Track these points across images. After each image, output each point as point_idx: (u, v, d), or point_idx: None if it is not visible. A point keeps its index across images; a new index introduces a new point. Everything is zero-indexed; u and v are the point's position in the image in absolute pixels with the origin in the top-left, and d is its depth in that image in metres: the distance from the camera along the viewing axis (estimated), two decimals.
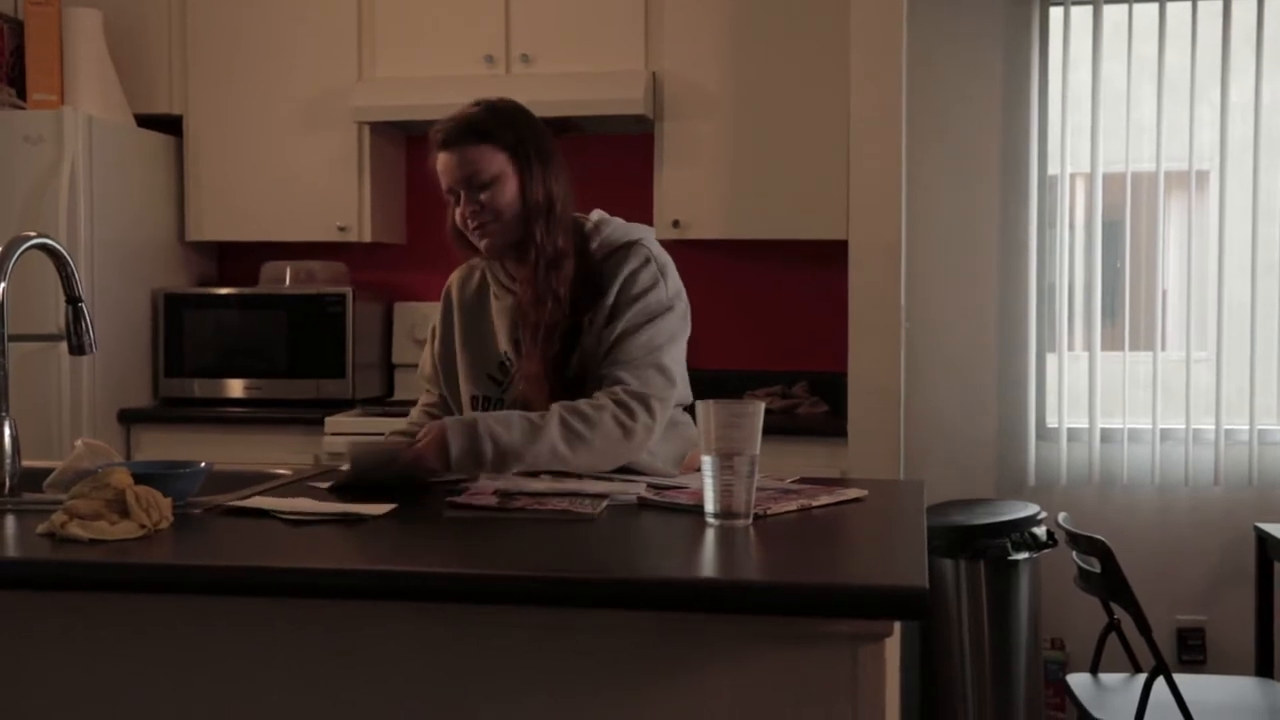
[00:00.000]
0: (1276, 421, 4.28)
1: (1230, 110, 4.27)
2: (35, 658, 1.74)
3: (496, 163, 2.36)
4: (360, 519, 1.92)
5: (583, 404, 2.29)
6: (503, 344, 2.46)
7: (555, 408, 2.28)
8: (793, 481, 2.26)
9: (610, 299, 2.37)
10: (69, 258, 2.32)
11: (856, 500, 2.13)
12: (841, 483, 2.31)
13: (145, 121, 4.37)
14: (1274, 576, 3.57)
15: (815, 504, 2.06)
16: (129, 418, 4.17)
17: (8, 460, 2.15)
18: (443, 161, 2.39)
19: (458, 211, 2.40)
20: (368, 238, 4.38)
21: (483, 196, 2.35)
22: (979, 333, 4.44)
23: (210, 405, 4.28)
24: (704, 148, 4.14)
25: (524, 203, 2.36)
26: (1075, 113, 4.35)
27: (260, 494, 2.13)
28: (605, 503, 2.04)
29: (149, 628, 1.71)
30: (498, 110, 2.42)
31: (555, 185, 2.40)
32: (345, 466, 2.25)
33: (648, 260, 2.42)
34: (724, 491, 1.87)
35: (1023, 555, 3.79)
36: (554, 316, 2.37)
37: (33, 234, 2.26)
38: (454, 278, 2.59)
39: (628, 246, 2.43)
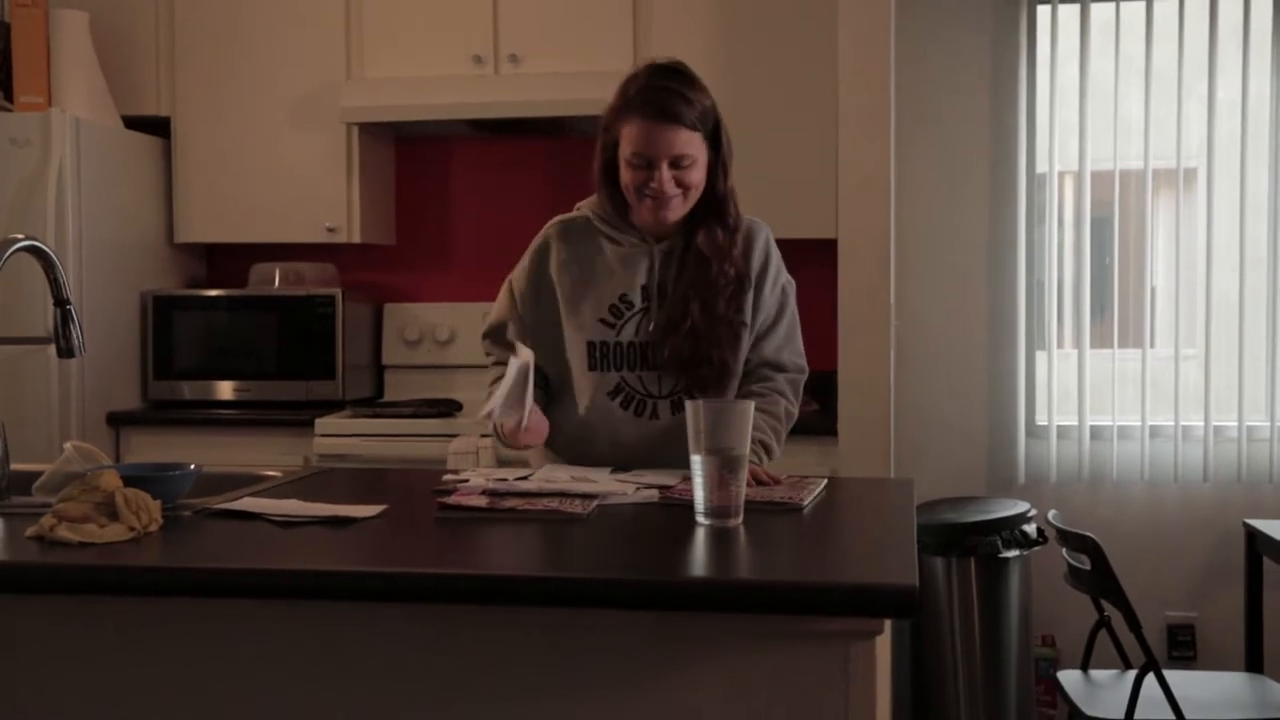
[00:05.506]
0: (1265, 418, 4.29)
1: (1217, 107, 4.28)
2: (25, 661, 1.73)
3: (695, 144, 2.40)
4: (350, 521, 1.92)
5: (783, 402, 2.49)
6: (622, 287, 2.49)
7: (780, 404, 2.49)
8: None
9: (758, 274, 2.51)
10: (57, 260, 2.32)
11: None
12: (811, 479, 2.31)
13: (133, 123, 4.35)
14: (1263, 572, 3.58)
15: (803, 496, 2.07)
16: (118, 420, 4.16)
17: None
18: (648, 131, 2.39)
19: (640, 175, 2.41)
20: (357, 239, 4.37)
21: (680, 174, 2.40)
22: (968, 330, 4.44)
23: (200, 407, 4.27)
24: None
25: (711, 185, 2.45)
26: (1063, 110, 4.35)
27: (250, 496, 2.13)
28: (595, 502, 2.04)
29: (139, 630, 1.71)
30: (695, 85, 2.45)
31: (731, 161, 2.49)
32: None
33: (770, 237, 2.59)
34: (714, 491, 1.87)
35: (1013, 553, 3.80)
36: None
37: (20, 236, 2.26)
38: (553, 231, 2.58)
39: (752, 221, 2.57)
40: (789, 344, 2.56)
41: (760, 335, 2.53)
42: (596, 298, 2.49)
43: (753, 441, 2.32)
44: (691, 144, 2.39)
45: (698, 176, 2.42)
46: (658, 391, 2.48)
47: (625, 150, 2.41)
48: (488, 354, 2.66)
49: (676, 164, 2.39)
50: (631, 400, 2.48)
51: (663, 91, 2.39)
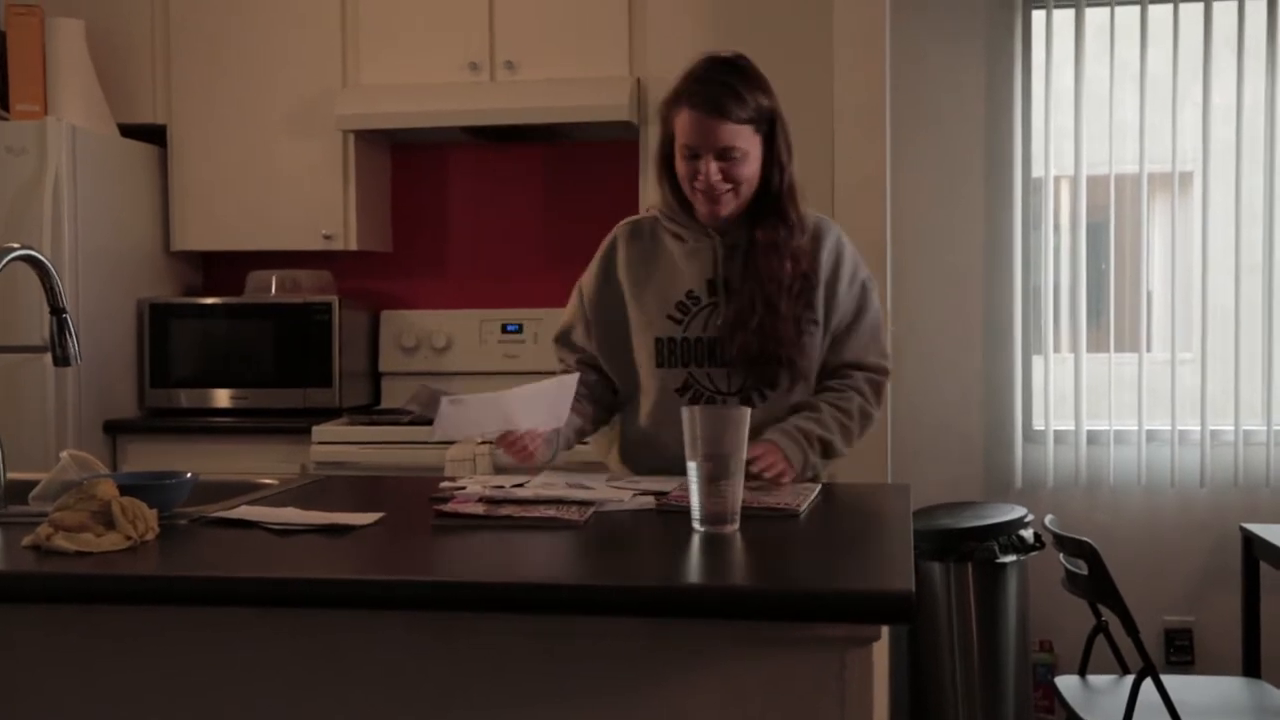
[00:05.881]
0: (1261, 422, 4.30)
1: (1212, 112, 4.29)
2: (21, 670, 1.73)
3: (744, 137, 2.40)
4: (347, 528, 1.92)
5: (857, 399, 2.48)
6: (689, 283, 2.48)
7: (854, 401, 2.47)
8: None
9: (829, 274, 2.50)
10: (52, 269, 2.32)
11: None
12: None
13: (129, 131, 4.35)
14: (1260, 576, 3.58)
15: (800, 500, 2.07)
16: (114, 429, 4.15)
17: None
18: (696, 123, 2.39)
19: (689, 167, 2.42)
20: (353, 246, 4.37)
21: (727, 166, 2.39)
22: (964, 335, 4.44)
23: (196, 415, 4.26)
24: None
25: (766, 181, 2.44)
26: (1059, 115, 4.36)
27: (247, 504, 2.13)
28: (591, 509, 2.04)
29: (135, 639, 1.71)
30: (750, 80, 2.44)
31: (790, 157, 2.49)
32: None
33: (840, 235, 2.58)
34: (710, 497, 1.87)
35: (1010, 558, 3.80)
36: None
37: (16, 245, 2.26)
38: (620, 231, 2.59)
39: (819, 218, 2.57)
40: (872, 343, 2.54)
41: (838, 336, 2.51)
42: (663, 294, 2.49)
43: (808, 436, 2.37)
44: (739, 137, 2.38)
45: (748, 171, 2.41)
46: (726, 388, 2.46)
47: (678, 141, 2.43)
48: (560, 360, 2.67)
49: (724, 156, 2.38)
50: (700, 398, 2.47)
51: (713, 84, 2.39)
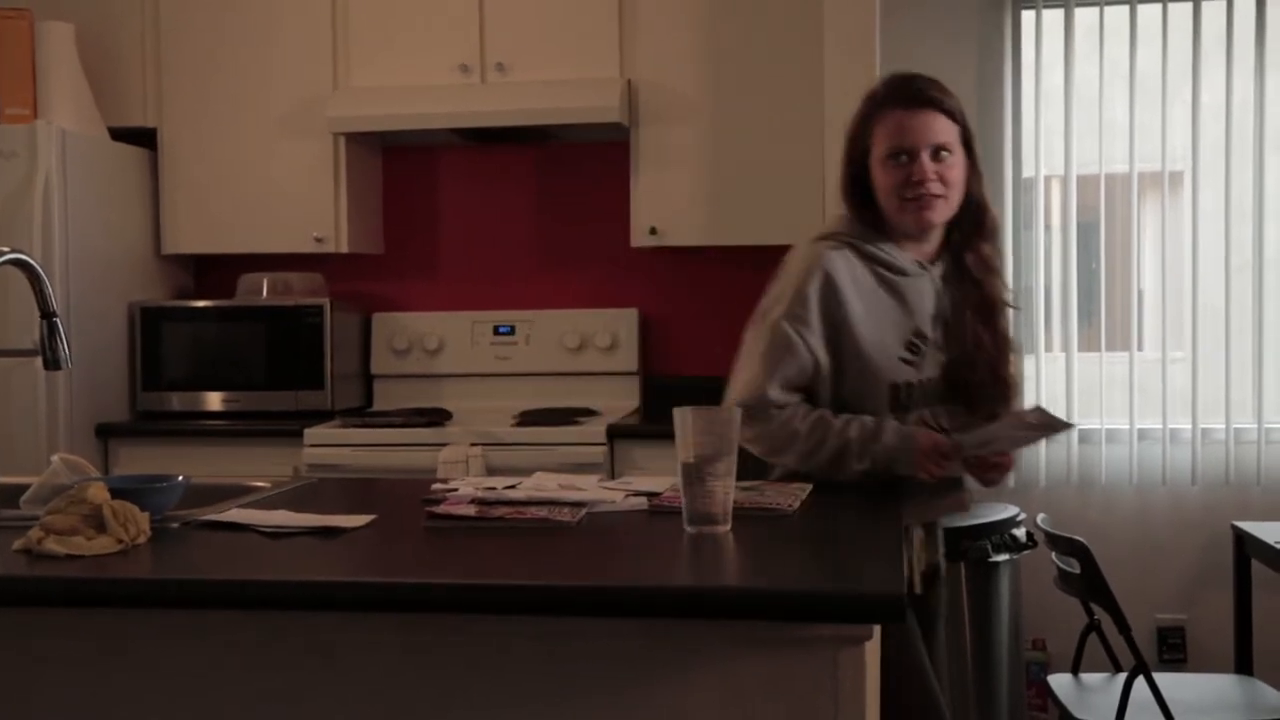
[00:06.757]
0: (1252, 420, 4.31)
1: (1202, 111, 4.30)
2: (12, 674, 1.73)
3: (952, 136, 2.35)
4: (339, 531, 1.92)
5: None
6: (916, 321, 2.37)
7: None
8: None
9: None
10: (43, 272, 2.31)
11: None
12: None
13: (119, 134, 4.35)
14: (1252, 574, 3.59)
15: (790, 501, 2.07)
16: (106, 432, 4.15)
17: None
18: (906, 119, 2.33)
19: (899, 174, 2.33)
20: (345, 248, 4.37)
21: (940, 167, 2.33)
22: None
23: (188, 418, 4.26)
24: (680, 154, 4.15)
25: (969, 191, 2.38)
26: (1049, 115, 4.37)
27: (239, 507, 2.12)
28: (584, 510, 2.04)
29: (127, 643, 1.70)
30: (942, 85, 2.41)
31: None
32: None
33: None
34: (702, 498, 1.88)
35: (1003, 557, 3.80)
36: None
37: (6, 249, 2.26)
38: (834, 265, 2.33)
39: None
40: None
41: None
42: (894, 335, 2.35)
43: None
44: (950, 134, 2.33)
45: (958, 174, 2.35)
46: (947, 423, 2.40)
47: (880, 150, 2.34)
48: (780, 406, 2.32)
49: (937, 156, 2.32)
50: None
51: (916, 80, 2.36)
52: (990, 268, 2.40)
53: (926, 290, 2.38)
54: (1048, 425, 2.32)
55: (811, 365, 2.32)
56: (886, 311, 2.35)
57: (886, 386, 2.34)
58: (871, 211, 2.38)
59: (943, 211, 2.35)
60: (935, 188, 2.31)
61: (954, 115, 2.35)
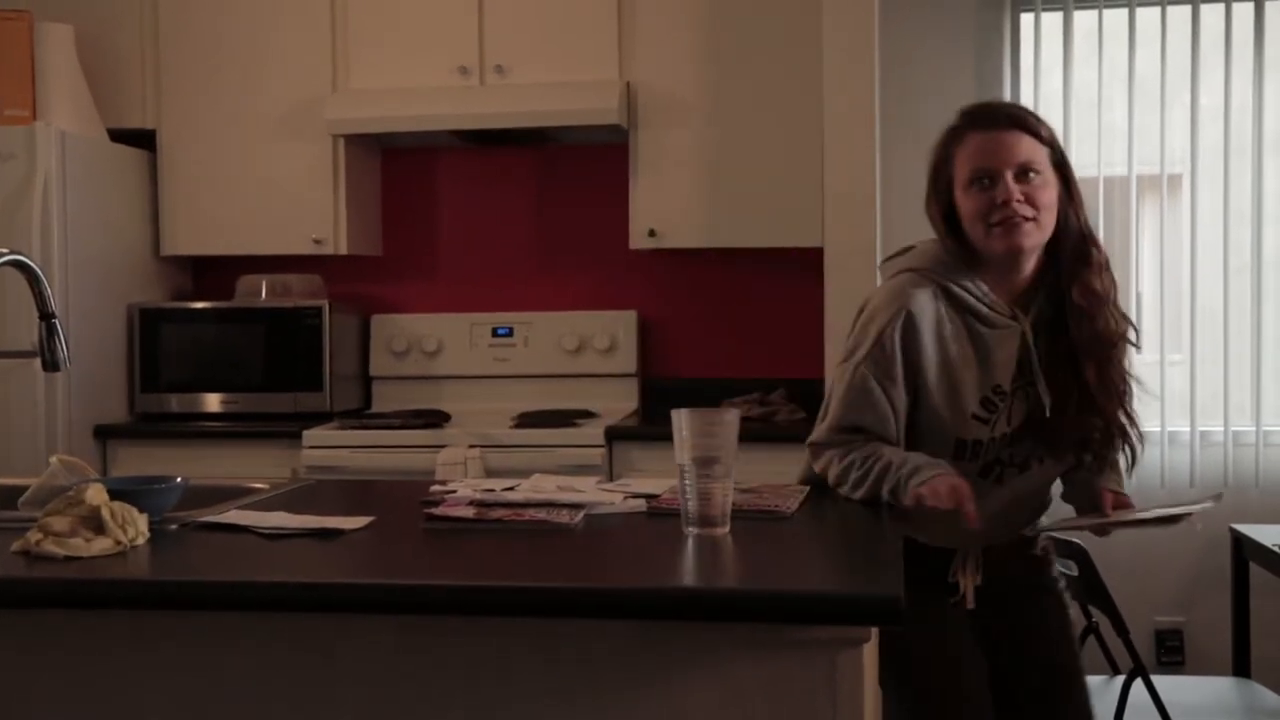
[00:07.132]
0: (1250, 423, 4.31)
1: (1200, 114, 4.30)
2: (9, 676, 1.73)
3: (1040, 155, 2.22)
4: (337, 533, 1.92)
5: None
6: (997, 377, 2.23)
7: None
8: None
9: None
10: (41, 274, 2.31)
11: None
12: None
13: (118, 136, 4.35)
14: (1250, 577, 3.58)
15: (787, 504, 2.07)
16: (105, 434, 4.14)
17: None
18: (988, 141, 2.22)
19: (983, 199, 2.20)
20: (344, 250, 4.37)
21: (1028, 189, 2.19)
22: None
23: (187, 420, 4.26)
24: (678, 157, 4.15)
25: (1064, 221, 2.23)
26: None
27: (237, 508, 2.13)
28: (582, 512, 2.04)
29: (125, 644, 1.70)
30: (1032, 111, 2.33)
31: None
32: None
33: None
34: (701, 500, 1.88)
35: None
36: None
37: (5, 250, 2.26)
38: (919, 304, 2.23)
39: None
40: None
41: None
42: (970, 391, 2.22)
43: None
44: (1037, 153, 2.20)
45: (1049, 197, 2.19)
46: (1035, 466, 2.31)
47: (963, 174, 2.23)
48: (848, 447, 2.24)
49: (1023, 177, 2.18)
50: (991, 471, 2.29)
51: (995, 103, 2.33)
52: (1101, 300, 2.24)
53: (1013, 343, 2.23)
54: (1163, 520, 2.21)
55: (889, 416, 2.22)
56: (966, 365, 2.22)
57: (953, 441, 2.24)
58: (963, 244, 2.27)
59: (1034, 236, 2.20)
60: (1023, 209, 2.17)
61: (1040, 136, 2.23)
